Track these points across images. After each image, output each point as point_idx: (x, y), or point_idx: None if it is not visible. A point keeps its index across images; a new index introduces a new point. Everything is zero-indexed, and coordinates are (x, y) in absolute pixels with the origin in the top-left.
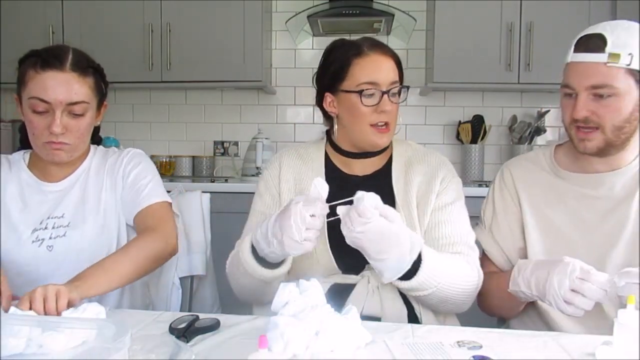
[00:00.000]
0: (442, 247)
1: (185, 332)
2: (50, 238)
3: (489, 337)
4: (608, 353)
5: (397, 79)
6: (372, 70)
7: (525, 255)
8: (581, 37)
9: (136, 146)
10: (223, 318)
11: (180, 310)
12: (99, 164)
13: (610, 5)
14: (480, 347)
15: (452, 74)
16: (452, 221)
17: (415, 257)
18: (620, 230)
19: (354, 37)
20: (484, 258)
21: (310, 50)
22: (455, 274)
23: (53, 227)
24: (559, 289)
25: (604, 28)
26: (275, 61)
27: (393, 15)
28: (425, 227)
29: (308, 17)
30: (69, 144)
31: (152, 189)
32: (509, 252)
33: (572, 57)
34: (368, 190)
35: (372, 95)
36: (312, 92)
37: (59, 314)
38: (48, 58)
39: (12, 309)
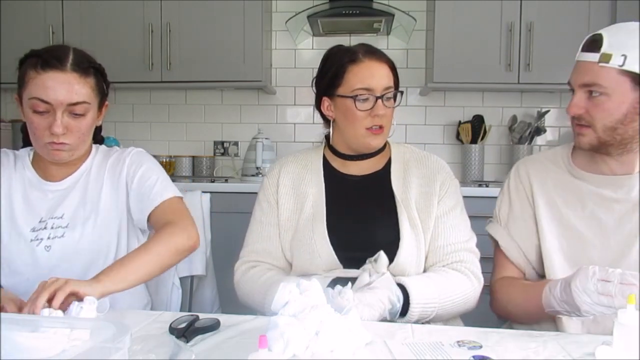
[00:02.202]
0: (446, 254)
1: (185, 332)
2: (48, 238)
3: (489, 337)
4: (608, 353)
5: (391, 84)
6: (366, 76)
7: (540, 253)
8: (588, 37)
9: (136, 146)
10: (223, 318)
11: (180, 310)
12: (100, 163)
13: (610, 5)
14: (480, 347)
15: (452, 74)
16: (454, 227)
17: (400, 294)
18: (636, 235)
19: (354, 37)
20: (502, 259)
21: (310, 50)
22: (449, 291)
23: (52, 228)
24: (588, 298)
25: (608, 29)
26: (275, 61)
27: (393, 15)
28: (430, 234)
29: (308, 17)
30: (70, 144)
31: (161, 185)
32: (526, 249)
33: (577, 55)
34: (367, 189)
35: (366, 100)
36: (312, 93)
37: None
38: (48, 58)
39: (46, 312)
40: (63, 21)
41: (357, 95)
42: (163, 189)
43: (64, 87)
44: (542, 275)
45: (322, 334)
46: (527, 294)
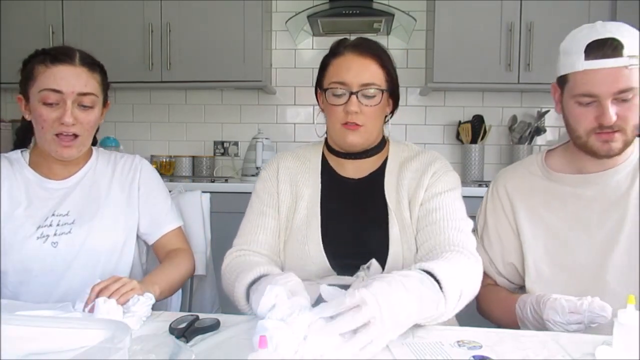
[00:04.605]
0: (431, 233)
1: (185, 332)
2: (55, 235)
3: (489, 337)
4: (608, 353)
5: (375, 81)
6: (343, 70)
7: (514, 271)
8: (591, 44)
9: (136, 146)
10: (223, 318)
11: (180, 310)
12: (104, 165)
13: (610, 5)
14: (480, 347)
15: (452, 74)
16: (442, 207)
17: (435, 286)
18: (619, 231)
19: (354, 37)
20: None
21: (310, 50)
22: (463, 273)
23: (58, 225)
24: (560, 328)
25: (609, 31)
26: (275, 61)
27: (393, 15)
28: (416, 220)
29: (308, 17)
30: (80, 136)
31: (171, 213)
32: (497, 263)
33: (587, 64)
34: (362, 193)
35: (340, 95)
36: (311, 92)
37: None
38: (57, 55)
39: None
40: (63, 21)
41: (329, 89)
42: (173, 217)
43: (74, 78)
44: (517, 285)
45: (310, 337)
46: (502, 309)
